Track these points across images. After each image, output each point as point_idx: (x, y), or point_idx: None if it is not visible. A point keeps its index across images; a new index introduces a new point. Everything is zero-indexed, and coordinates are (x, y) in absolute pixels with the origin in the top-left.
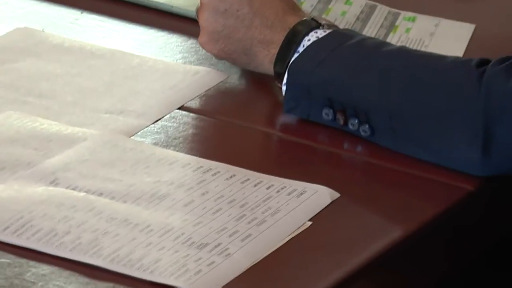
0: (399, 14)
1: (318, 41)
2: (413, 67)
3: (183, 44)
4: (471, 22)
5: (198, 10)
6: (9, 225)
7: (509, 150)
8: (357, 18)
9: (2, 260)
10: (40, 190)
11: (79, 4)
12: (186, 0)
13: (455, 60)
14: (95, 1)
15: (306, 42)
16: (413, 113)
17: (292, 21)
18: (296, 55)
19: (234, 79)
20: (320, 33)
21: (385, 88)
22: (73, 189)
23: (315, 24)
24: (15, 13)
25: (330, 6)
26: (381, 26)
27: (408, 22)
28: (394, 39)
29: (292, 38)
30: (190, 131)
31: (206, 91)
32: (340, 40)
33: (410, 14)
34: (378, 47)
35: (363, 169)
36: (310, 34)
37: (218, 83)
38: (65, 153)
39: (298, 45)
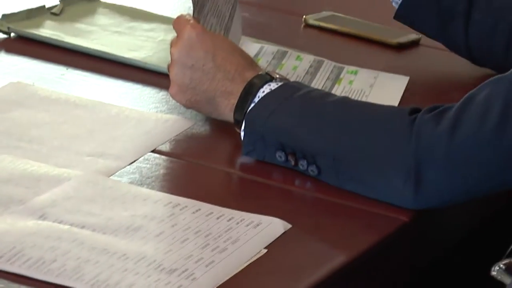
0: (343, 68)
1: (271, 92)
2: (353, 115)
3: (155, 95)
4: (405, 74)
5: (169, 66)
6: (3, 255)
7: (437, 187)
8: (307, 72)
9: None
10: (30, 223)
11: (64, 61)
12: (157, 58)
13: (390, 108)
14: (78, 58)
15: (261, 93)
16: (353, 155)
17: (249, 75)
18: (252, 105)
19: (199, 125)
20: (273, 85)
21: (328, 134)
22: (59, 222)
23: (269, 78)
24: (9, 69)
25: (283, 62)
26: (328, 78)
27: (351, 75)
28: (339, 90)
29: (249, 90)
30: (161, 171)
31: (175, 136)
32: (290, 91)
33: (352, 68)
34: (323, 98)
35: (312, 203)
36: (265, 86)
37: (186, 129)
38: (52, 191)
39: (254, 96)
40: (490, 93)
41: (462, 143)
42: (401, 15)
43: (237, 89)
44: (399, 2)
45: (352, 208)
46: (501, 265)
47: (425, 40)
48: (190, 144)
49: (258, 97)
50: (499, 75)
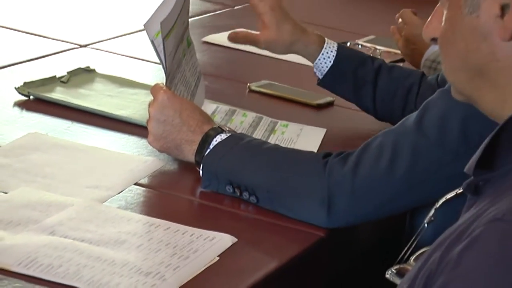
0: (277, 122)
1: (222, 141)
2: (282, 159)
3: (137, 142)
4: (323, 127)
5: (147, 121)
6: (21, 261)
7: (344, 212)
8: (250, 125)
9: (17, 284)
10: (43, 238)
11: (70, 117)
12: (139, 115)
13: (310, 153)
14: (80, 115)
15: (215, 142)
16: (282, 189)
17: (206, 128)
18: (208, 150)
19: (170, 165)
20: (224, 136)
21: (264, 173)
22: (65, 237)
23: (221, 130)
24: (29, 123)
25: (232, 118)
26: (266, 130)
27: (283, 127)
28: (273, 139)
29: (206, 139)
30: (141, 199)
31: (152, 172)
32: (236, 141)
33: (284, 122)
34: (260, 145)
35: (253, 223)
36: (217, 136)
37: (160, 167)
38: (60, 214)
39: (210, 144)
40: (382, 141)
41: (362, 179)
42: (324, 84)
43: (197, 139)
44: (324, 73)
45: (282, 227)
46: (393, 270)
47: (338, 101)
48: (163, 178)
49: (212, 144)
50: (389, 128)
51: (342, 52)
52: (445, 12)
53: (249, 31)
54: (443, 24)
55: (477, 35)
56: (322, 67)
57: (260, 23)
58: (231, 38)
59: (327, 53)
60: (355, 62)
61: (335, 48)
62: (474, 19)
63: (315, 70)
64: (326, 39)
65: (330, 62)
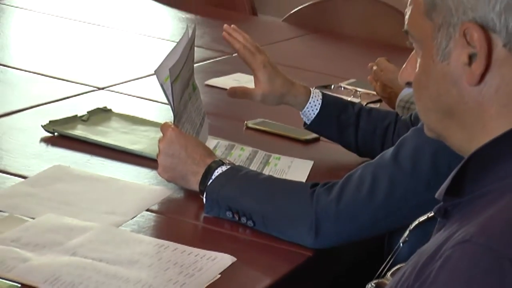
0: (271, 155)
1: (222, 173)
2: (275, 188)
3: (149, 173)
4: (311, 159)
5: (157, 154)
6: (46, 279)
7: (329, 235)
8: (247, 158)
9: None
10: (65, 258)
11: (89, 151)
12: (150, 149)
13: (299, 183)
14: (99, 149)
15: (216, 173)
16: (275, 214)
17: (209, 161)
18: (210, 181)
19: (177, 193)
20: (224, 168)
21: (259, 201)
22: (85, 257)
23: (222, 163)
24: (53, 157)
25: (232, 152)
26: (261, 162)
27: (276, 160)
28: (267, 170)
29: (208, 171)
30: (152, 223)
31: (161, 200)
32: (235, 172)
33: (277, 155)
34: (256, 176)
35: (250, 244)
36: (218, 168)
37: (168, 195)
38: (81, 237)
39: (212, 175)
40: (362, 172)
41: (345, 206)
42: (311, 128)
43: (201, 170)
44: (311, 119)
45: (276, 247)
46: (373, 284)
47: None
48: (170, 205)
49: (214, 175)
50: (369, 161)
51: (326, 100)
52: (419, 60)
53: (246, 86)
54: (417, 70)
55: (447, 80)
56: (310, 114)
57: (255, 79)
58: (231, 94)
59: (314, 102)
60: (338, 108)
61: (320, 97)
62: (445, 66)
63: (302, 116)
64: (311, 89)
65: (316, 109)
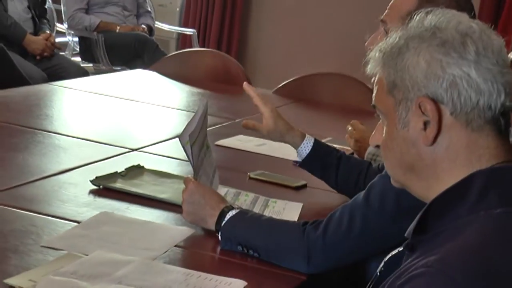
0: (269, 199)
1: (233, 215)
2: (274, 227)
3: (175, 217)
4: (301, 202)
5: (182, 202)
6: None
7: (319, 263)
8: (251, 202)
9: None
10: (113, 286)
11: (128, 200)
12: (176, 197)
13: (293, 223)
14: (135, 198)
15: (228, 216)
16: (275, 248)
17: (222, 206)
18: (223, 222)
19: (198, 232)
20: (234, 212)
21: (262, 238)
22: (128, 285)
23: (232, 207)
24: (100, 205)
25: (239, 197)
26: (262, 205)
27: (273, 203)
28: (267, 212)
29: (222, 214)
30: (179, 256)
31: (186, 237)
32: (243, 215)
33: (274, 199)
34: (259, 218)
35: (257, 271)
36: (230, 212)
37: (191, 233)
38: (124, 269)
39: (225, 217)
40: (341, 212)
41: (329, 239)
42: (303, 166)
43: (216, 214)
44: (303, 157)
45: (277, 273)
46: None
47: (310, 184)
48: (193, 241)
49: (227, 218)
50: (346, 202)
51: (317, 144)
52: (384, 128)
53: (255, 122)
54: (383, 135)
55: (408, 143)
56: (303, 153)
57: (264, 119)
58: (245, 126)
59: (307, 144)
60: (325, 152)
61: (312, 141)
62: (405, 132)
63: (297, 155)
64: (306, 134)
65: (308, 150)
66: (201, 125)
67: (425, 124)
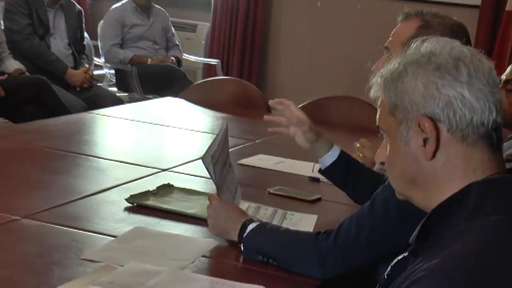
0: (287, 212)
1: (254, 228)
2: (291, 237)
3: (201, 230)
4: (315, 214)
5: (207, 216)
6: None
7: (331, 268)
8: (270, 215)
9: None
10: None
11: (159, 215)
12: (202, 212)
13: (308, 233)
14: (166, 214)
15: (249, 228)
16: (293, 256)
17: (243, 219)
18: (245, 234)
19: (222, 243)
20: (254, 224)
21: (280, 247)
22: None
23: (252, 220)
24: (134, 220)
25: (259, 211)
26: (280, 218)
27: (291, 216)
28: (285, 223)
29: (243, 227)
30: (206, 265)
31: (211, 248)
32: (262, 227)
33: (291, 212)
34: (277, 229)
35: (276, 277)
36: (250, 225)
37: (216, 245)
38: (156, 278)
39: (246, 230)
40: (350, 220)
41: (340, 246)
42: (324, 174)
43: (238, 226)
44: (326, 166)
45: (294, 279)
46: None
47: (324, 197)
48: (218, 251)
49: (248, 230)
50: (353, 213)
51: (341, 156)
52: (388, 146)
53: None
54: (387, 153)
55: (409, 158)
56: (327, 162)
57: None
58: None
59: (332, 153)
60: (347, 163)
61: (338, 152)
62: (407, 148)
63: (319, 162)
64: (334, 144)
65: (333, 159)
66: (222, 146)
67: (425, 141)
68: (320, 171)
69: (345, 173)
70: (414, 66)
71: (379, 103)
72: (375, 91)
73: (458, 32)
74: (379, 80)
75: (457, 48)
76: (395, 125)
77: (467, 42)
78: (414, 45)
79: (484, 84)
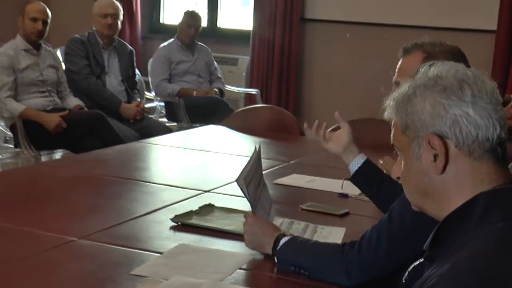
0: (317, 226)
1: (286, 242)
2: (320, 249)
3: (239, 244)
4: (343, 226)
5: (244, 232)
6: None
7: (357, 276)
8: (302, 229)
9: None
10: None
11: (202, 233)
12: (239, 229)
13: (334, 244)
14: (207, 231)
15: (282, 242)
16: (322, 267)
17: (276, 234)
18: (278, 247)
19: (258, 257)
20: (287, 238)
21: (310, 259)
22: None
23: (285, 235)
24: (178, 238)
25: (292, 226)
26: (311, 231)
27: (321, 229)
28: (316, 236)
29: (277, 241)
30: (243, 277)
31: (248, 261)
32: (294, 241)
33: (322, 226)
34: (307, 242)
35: (307, 286)
36: (283, 239)
37: (252, 258)
38: None
39: (279, 243)
40: (371, 231)
41: (364, 256)
42: (352, 181)
43: (272, 241)
44: (352, 172)
45: (324, 287)
46: None
47: (351, 212)
48: (254, 264)
49: (281, 243)
50: (374, 224)
51: (365, 164)
52: (402, 162)
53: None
54: (402, 168)
55: (421, 173)
56: (352, 169)
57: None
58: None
59: (356, 161)
60: (371, 172)
61: (363, 160)
62: (419, 164)
63: (349, 167)
64: (361, 153)
65: (357, 166)
66: (255, 168)
67: (435, 156)
68: (349, 179)
69: (368, 181)
70: (422, 88)
71: (392, 124)
72: (388, 112)
73: (458, 55)
74: (391, 103)
75: (461, 71)
76: (408, 143)
77: (465, 63)
78: (422, 70)
79: (487, 103)
